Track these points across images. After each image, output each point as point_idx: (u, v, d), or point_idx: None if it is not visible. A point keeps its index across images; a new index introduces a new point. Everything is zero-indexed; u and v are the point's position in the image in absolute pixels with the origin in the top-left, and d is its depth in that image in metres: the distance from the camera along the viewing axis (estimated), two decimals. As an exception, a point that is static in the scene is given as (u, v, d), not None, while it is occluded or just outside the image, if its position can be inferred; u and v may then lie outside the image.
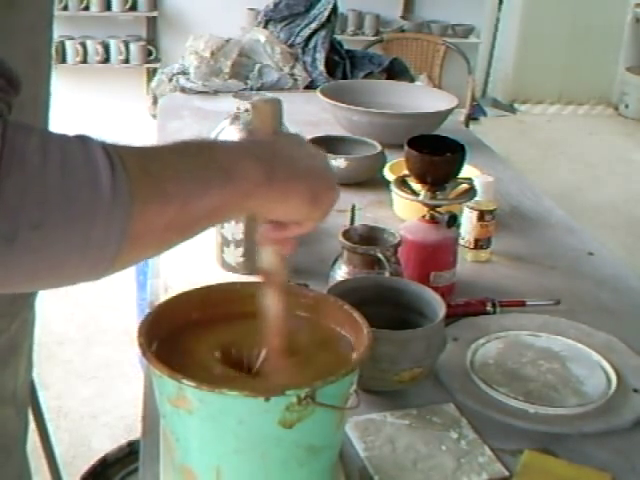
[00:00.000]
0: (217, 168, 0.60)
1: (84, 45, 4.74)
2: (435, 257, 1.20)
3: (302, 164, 0.67)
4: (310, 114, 2.08)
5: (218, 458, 0.71)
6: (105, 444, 1.55)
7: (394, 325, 0.96)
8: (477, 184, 1.26)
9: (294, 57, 2.48)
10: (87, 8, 4.68)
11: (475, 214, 1.33)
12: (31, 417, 1.03)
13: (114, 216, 0.52)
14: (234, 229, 1.20)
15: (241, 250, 1.21)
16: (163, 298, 0.95)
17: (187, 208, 0.57)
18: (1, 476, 0.90)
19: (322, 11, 2.48)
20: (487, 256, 1.37)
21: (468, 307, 1.18)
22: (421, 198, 1.20)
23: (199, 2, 5.01)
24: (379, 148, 1.67)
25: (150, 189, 0.54)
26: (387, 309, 1.01)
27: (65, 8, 4.61)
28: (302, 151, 0.69)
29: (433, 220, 1.20)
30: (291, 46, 2.50)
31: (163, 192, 0.55)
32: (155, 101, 2.42)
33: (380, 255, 1.09)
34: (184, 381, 0.67)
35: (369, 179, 1.63)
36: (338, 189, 0.72)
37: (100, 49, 4.80)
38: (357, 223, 1.22)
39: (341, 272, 1.11)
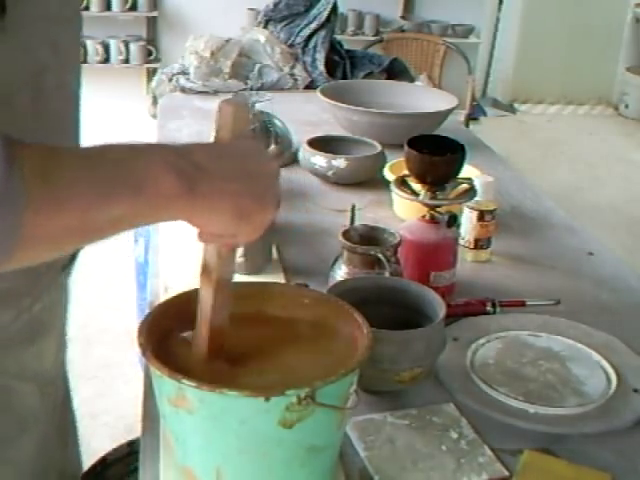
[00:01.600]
0: (126, 179, 0.59)
1: (84, 45, 4.74)
2: (435, 257, 1.20)
3: (232, 180, 0.65)
4: (310, 114, 2.08)
5: (218, 458, 0.71)
6: (105, 444, 1.55)
7: (394, 325, 0.96)
8: (477, 184, 1.25)
9: (294, 57, 2.48)
10: (87, 8, 4.68)
11: (475, 214, 1.33)
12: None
13: (3, 216, 0.52)
14: (234, 229, 1.20)
15: (241, 250, 1.21)
16: (163, 298, 0.95)
17: (86, 216, 0.57)
18: (15, 449, 0.91)
19: (322, 11, 2.48)
20: (487, 256, 1.37)
21: (468, 307, 1.18)
22: (421, 198, 1.20)
23: (199, 2, 5.01)
24: (379, 148, 1.67)
25: (44, 195, 0.54)
26: (387, 309, 1.00)
27: (65, 8, 4.61)
28: (243, 164, 0.67)
29: (433, 220, 1.20)
30: (291, 46, 2.50)
31: (57, 200, 0.55)
32: (155, 101, 2.42)
33: (380, 255, 1.09)
34: (184, 381, 0.67)
35: (369, 179, 1.64)
36: (274, 209, 0.69)
37: (100, 49, 4.80)
38: (357, 223, 1.22)
39: (341, 272, 1.11)
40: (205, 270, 0.73)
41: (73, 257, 0.91)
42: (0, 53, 0.69)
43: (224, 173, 0.65)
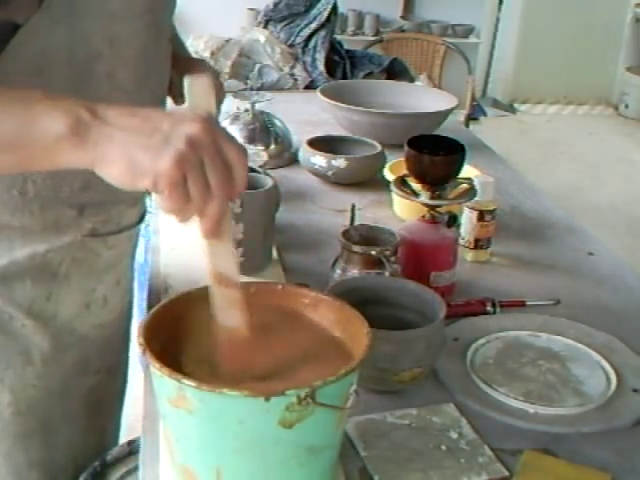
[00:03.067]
0: (18, 116, 0.65)
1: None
2: (435, 257, 1.20)
3: (128, 131, 0.65)
4: (310, 114, 2.08)
5: (218, 458, 0.71)
6: (105, 444, 1.55)
7: (394, 325, 0.96)
8: (477, 184, 1.25)
9: (294, 57, 2.48)
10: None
11: (475, 214, 1.33)
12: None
13: None
14: (234, 229, 1.20)
15: (241, 250, 1.21)
16: (163, 298, 0.95)
17: None
18: (15, 375, 1.02)
19: (322, 11, 2.48)
20: (487, 256, 1.36)
21: (468, 307, 1.18)
22: (421, 198, 1.20)
23: (199, 2, 5.00)
24: (379, 148, 1.67)
25: None
26: (387, 309, 1.00)
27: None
28: (154, 123, 0.66)
29: (433, 220, 1.20)
30: (291, 46, 2.50)
31: None
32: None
33: (380, 255, 1.09)
34: (184, 381, 0.67)
35: (369, 179, 1.64)
36: (169, 162, 0.64)
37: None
38: (357, 223, 1.22)
39: (341, 272, 1.11)
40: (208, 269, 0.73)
41: (105, 223, 1.00)
42: (55, 33, 0.81)
43: (124, 126, 0.65)
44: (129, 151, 0.65)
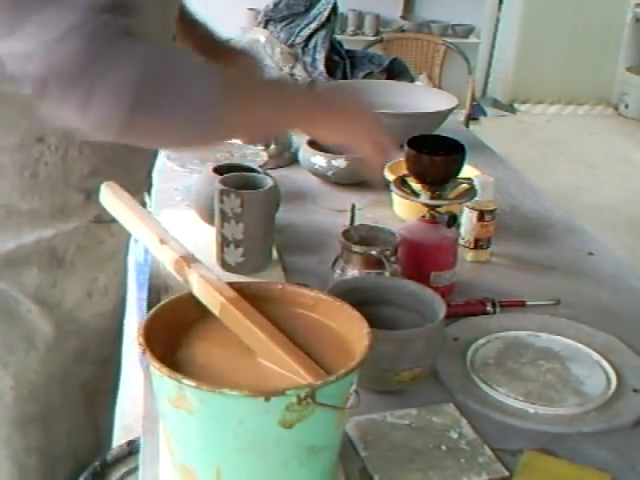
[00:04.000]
0: (290, 101, 0.94)
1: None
2: (435, 257, 1.20)
3: (340, 110, 0.97)
4: (310, 114, 2.08)
5: (218, 458, 0.71)
6: (105, 444, 1.55)
7: (394, 325, 0.96)
8: (477, 184, 1.25)
9: (294, 57, 2.47)
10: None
11: (475, 214, 1.33)
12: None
13: (215, 111, 0.82)
14: (234, 229, 1.20)
15: (241, 250, 1.21)
16: (163, 298, 0.95)
17: (264, 120, 0.91)
18: (18, 359, 1.06)
19: (322, 11, 2.47)
20: (487, 256, 1.36)
21: (468, 307, 1.18)
22: (421, 198, 1.20)
23: (199, 2, 5.00)
24: (379, 148, 1.66)
25: (241, 105, 0.86)
26: (387, 309, 1.00)
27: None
28: (345, 102, 0.99)
29: (433, 220, 1.20)
30: (291, 46, 2.49)
31: (247, 109, 0.87)
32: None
33: (380, 255, 1.09)
34: (184, 381, 0.67)
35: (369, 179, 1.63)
36: (368, 120, 0.99)
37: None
38: (357, 223, 1.22)
39: (341, 272, 1.11)
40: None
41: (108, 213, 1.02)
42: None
43: (336, 106, 0.98)
44: (342, 117, 0.98)
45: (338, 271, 1.12)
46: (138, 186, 1.11)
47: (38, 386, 1.08)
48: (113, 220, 1.04)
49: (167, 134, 0.83)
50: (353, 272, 1.10)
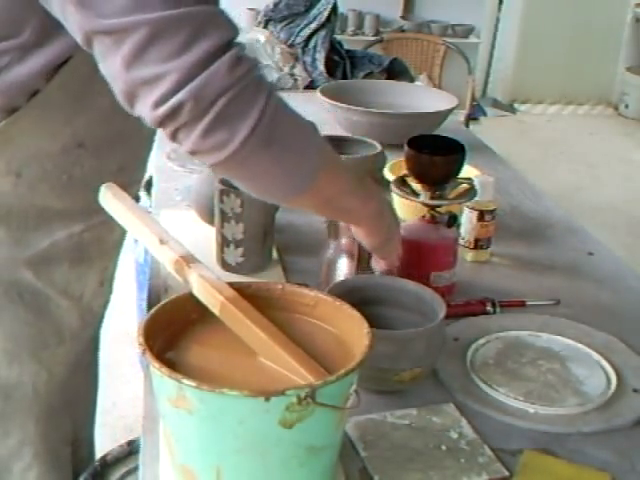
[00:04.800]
0: (360, 193, 0.94)
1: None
2: (435, 257, 1.20)
3: (380, 213, 0.98)
4: (310, 114, 2.07)
5: (218, 458, 0.71)
6: (105, 444, 1.55)
7: (394, 325, 0.96)
8: (477, 184, 1.25)
9: (294, 57, 2.47)
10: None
11: (475, 214, 1.33)
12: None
13: (311, 165, 0.83)
14: (234, 229, 1.20)
15: (241, 250, 1.21)
16: (163, 298, 0.95)
17: (337, 200, 0.91)
18: (51, 354, 1.09)
19: (322, 11, 2.47)
20: (487, 256, 1.36)
21: (468, 307, 1.18)
22: (421, 198, 1.20)
23: (199, 2, 5.00)
24: (379, 148, 1.66)
25: (331, 168, 0.88)
26: (387, 309, 1.01)
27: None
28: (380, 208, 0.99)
29: (433, 220, 1.20)
30: (291, 46, 2.50)
31: (335, 175, 0.90)
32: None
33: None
34: (184, 381, 0.67)
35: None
36: (396, 231, 1.03)
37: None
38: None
39: (332, 251, 1.14)
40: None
41: None
42: None
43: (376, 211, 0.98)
44: (378, 225, 0.99)
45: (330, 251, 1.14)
46: (139, 178, 1.15)
47: (64, 377, 1.13)
48: None
49: (269, 177, 0.81)
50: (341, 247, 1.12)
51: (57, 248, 1.04)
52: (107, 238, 1.11)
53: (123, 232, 1.13)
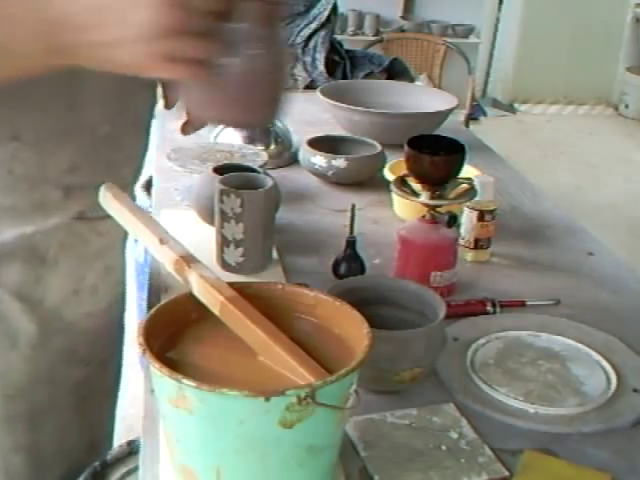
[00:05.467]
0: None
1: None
2: (435, 257, 1.20)
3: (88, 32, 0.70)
4: (310, 114, 2.08)
5: (218, 458, 0.71)
6: (105, 444, 1.55)
7: (394, 325, 0.96)
8: (477, 184, 1.25)
9: (294, 57, 2.47)
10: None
11: (475, 214, 1.33)
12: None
13: None
14: (234, 229, 1.20)
15: (241, 250, 1.21)
16: (163, 298, 0.95)
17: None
18: (3, 358, 1.04)
19: (322, 11, 2.47)
20: (487, 256, 1.36)
21: (468, 307, 1.18)
22: (421, 198, 1.20)
23: (199, 2, 5.00)
24: (379, 148, 1.67)
25: None
26: (387, 309, 1.00)
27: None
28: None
29: (433, 220, 1.20)
30: (291, 46, 2.49)
31: None
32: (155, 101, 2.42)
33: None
34: (184, 381, 0.67)
35: (369, 179, 1.64)
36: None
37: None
38: (357, 223, 1.22)
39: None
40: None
41: (93, 207, 0.98)
42: None
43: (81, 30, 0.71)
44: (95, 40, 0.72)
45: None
46: (123, 183, 1.07)
47: (23, 385, 1.07)
48: (99, 218, 1.03)
49: None
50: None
51: (5, 248, 0.99)
52: (78, 246, 1.05)
53: (108, 242, 1.08)
